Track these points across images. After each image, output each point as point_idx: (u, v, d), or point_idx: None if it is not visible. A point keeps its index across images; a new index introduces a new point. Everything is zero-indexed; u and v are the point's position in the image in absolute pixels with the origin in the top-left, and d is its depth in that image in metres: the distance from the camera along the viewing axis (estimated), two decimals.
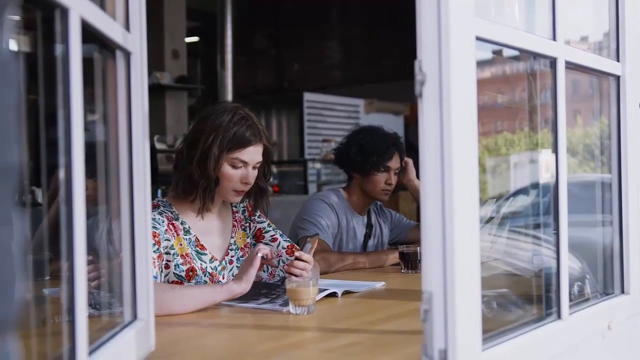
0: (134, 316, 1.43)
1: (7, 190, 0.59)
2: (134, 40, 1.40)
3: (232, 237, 2.42)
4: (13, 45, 0.62)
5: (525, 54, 1.65)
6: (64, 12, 1.01)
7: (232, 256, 2.40)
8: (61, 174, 1.02)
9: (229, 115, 2.24)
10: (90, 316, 1.11)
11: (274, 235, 2.49)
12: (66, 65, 1.02)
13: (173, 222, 2.27)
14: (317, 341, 1.73)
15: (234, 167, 2.25)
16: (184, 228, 2.29)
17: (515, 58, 1.77)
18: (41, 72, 1.09)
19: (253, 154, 2.27)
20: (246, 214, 2.49)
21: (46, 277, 1.47)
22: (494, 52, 1.56)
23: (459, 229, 1.20)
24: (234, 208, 2.47)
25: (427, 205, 1.22)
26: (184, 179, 2.27)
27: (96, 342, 1.20)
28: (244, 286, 2.01)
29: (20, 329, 0.66)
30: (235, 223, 2.45)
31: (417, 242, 3.03)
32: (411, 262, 2.74)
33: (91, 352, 1.12)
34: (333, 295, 2.19)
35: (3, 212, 0.58)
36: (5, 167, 0.58)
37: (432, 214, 1.21)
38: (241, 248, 2.44)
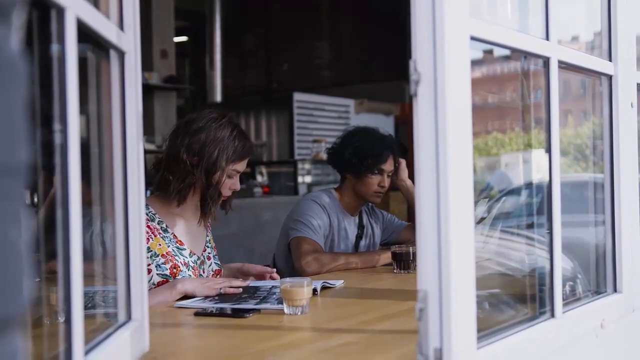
0: (128, 317, 1.42)
1: (17, 189, 0.59)
2: (128, 39, 1.40)
3: (207, 236, 2.55)
4: (20, 44, 0.62)
5: (516, 54, 1.66)
6: (60, 11, 1.01)
7: (208, 253, 2.52)
8: (57, 175, 1.02)
9: (229, 129, 2.38)
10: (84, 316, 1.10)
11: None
12: (62, 65, 1.02)
13: (148, 223, 2.33)
14: (312, 341, 1.73)
15: (229, 177, 2.40)
16: (161, 227, 2.37)
17: (506, 57, 1.78)
18: (35, 71, 1.08)
19: (245, 164, 2.46)
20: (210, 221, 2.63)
21: (37, 278, 1.47)
22: (485, 52, 1.56)
23: (454, 227, 1.21)
24: None
25: (422, 205, 1.22)
26: (186, 187, 2.35)
27: (91, 342, 1.19)
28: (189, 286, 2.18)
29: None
30: (208, 225, 2.58)
31: (409, 242, 3.03)
32: (404, 262, 2.74)
33: (86, 353, 1.12)
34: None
35: (12, 211, 0.58)
36: (14, 165, 0.58)
37: (428, 213, 1.21)
38: (214, 247, 2.58)
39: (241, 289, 2.22)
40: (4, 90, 0.57)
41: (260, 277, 2.50)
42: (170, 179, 2.34)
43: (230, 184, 2.40)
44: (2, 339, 0.57)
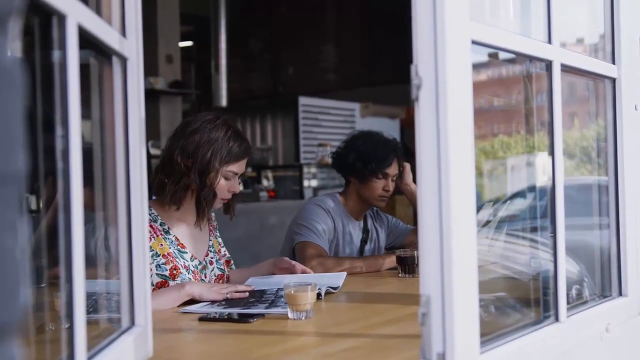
0: (132, 322, 1.42)
1: (13, 196, 0.59)
2: (130, 45, 1.40)
3: (210, 240, 2.54)
4: (17, 51, 0.62)
5: (520, 57, 1.65)
6: (61, 18, 1.01)
7: (211, 257, 2.52)
8: (59, 180, 1.02)
9: (223, 130, 2.37)
10: (87, 322, 1.11)
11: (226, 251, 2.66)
12: (64, 72, 1.02)
13: (151, 224, 2.34)
14: (315, 346, 1.73)
15: (226, 178, 2.39)
16: (163, 229, 2.38)
17: (510, 61, 1.78)
18: (38, 78, 1.08)
19: (243, 165, 2.44)
20: (215, 223, 2.64)
21: (42, 284, 1.47)
22: (490, 55, 1.56)
23: (456, 232, 1.20)
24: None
25: (424, 209, 1.22)
26: (181, 189, 2.35)
27: (94, 348, 1.20)
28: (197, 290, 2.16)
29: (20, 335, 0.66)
30: (211, 229, 2.58)
31: (413, 246, 3.03)
32: (408, 266, 2.73)
33: (89, 359, 1.12)
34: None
35: (8, 218, 0.58)
36: (11, 173, 0.59)
37: (430, 218, 1.21)
38: (217, 251, 2.56)
39: (247, 294, 2.22)
40: (1, 98, 0.57)
41: (290, 271, 2.54)
42: (166, 181, 2.35)
43: (228, 186, 2.40)
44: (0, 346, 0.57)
